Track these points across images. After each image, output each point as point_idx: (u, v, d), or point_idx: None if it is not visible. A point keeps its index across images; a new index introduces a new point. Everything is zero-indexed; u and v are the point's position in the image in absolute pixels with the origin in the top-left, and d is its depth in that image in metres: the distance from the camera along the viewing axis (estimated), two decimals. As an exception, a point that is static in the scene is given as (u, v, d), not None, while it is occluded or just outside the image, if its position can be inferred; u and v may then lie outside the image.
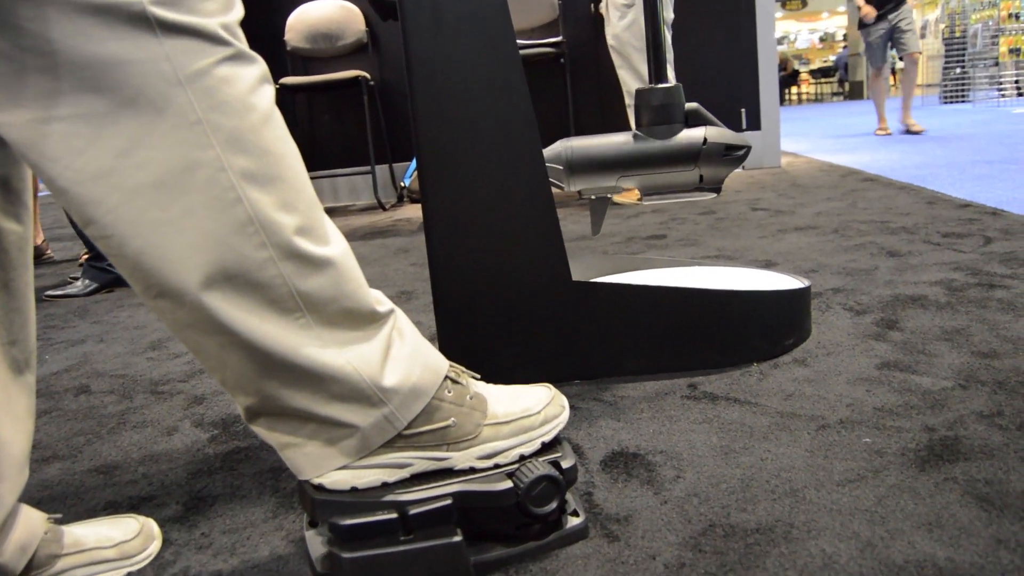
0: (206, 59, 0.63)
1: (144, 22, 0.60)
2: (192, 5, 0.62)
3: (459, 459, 0.78)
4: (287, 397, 0.70)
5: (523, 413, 0.82)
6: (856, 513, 0.81)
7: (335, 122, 4.65)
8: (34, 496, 1.05)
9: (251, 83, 0.66)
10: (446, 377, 0.79)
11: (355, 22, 4.42)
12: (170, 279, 0.64)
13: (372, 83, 4.33)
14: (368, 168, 4.32)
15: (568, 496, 0.85)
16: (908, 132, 6.21)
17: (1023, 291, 1.55)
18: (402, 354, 0.75)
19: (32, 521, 0.80)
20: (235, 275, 0.65)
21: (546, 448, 0.83)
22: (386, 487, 0.75)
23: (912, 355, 1.26)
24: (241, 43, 0.66)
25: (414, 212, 3.97)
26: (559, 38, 3.81)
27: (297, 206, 0.67)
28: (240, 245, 0.65)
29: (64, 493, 1.06)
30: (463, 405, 0.79)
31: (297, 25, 4.41)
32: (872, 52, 6.31)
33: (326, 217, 0.72)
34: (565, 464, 0.81)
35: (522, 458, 0.81)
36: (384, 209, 4.23)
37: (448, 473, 0.78)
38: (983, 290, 1.58)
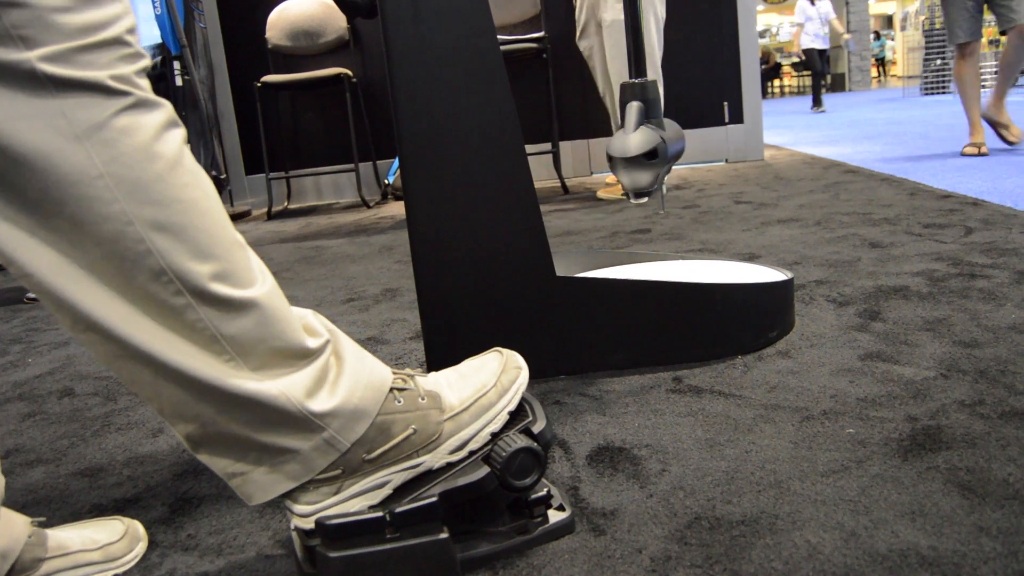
0: (102, 112, 0.62)
1: (35, 79, 0.59)
2: (84, 60, 0.61)
3: (432, 460, 0.77)
4: (224, 424, 0.69)
5: (478, 393, 0.81)
6: (840, 503, 0.82)
7: (318, 120, 4.63)
8: (18, 500, 1.05)
9: (153, 131, 0.65)
10: (391, 389, 0.78)
11: (336, 19, 4.40)
12: (95, 317, 0.64)
13: (355, 80, 4.31)
14: (352, 166, 4.31)
15: (554, 491, 0.86)
16: (1002, 137, 4.06)
17: (1004, 281, 1.56)
18: (340, 379, 0.74)
19: (15, 525, 0.80)
20: (158, 316, 0.65)
21: (515, 416, 0.83)
22: (374, 509, 0.75)
23: (895, 346, 1.27)
24: (141, 91, 0.65)
25: (398, 209, 3.96)
26: (541, 33, 3.81)
27: (212, 251, 0.66)
28: (158, 292, 0.64)
29: (48, 496, 1.05)
30: (417, 409, 0.77)
31: (278, 23, 4.39)
32: (956, 20, 3.92)
33: (250, 256, 0.71)
34: (536, 428, 0.81)
35: (494, 436, 0.80)
36: (368, 207, 4.22)
37: (428, 475, 0.77)
38: (964, 280, 1.60)
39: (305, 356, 0.72)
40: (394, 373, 0.80)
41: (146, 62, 0.67)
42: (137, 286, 0.64)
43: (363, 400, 0.74)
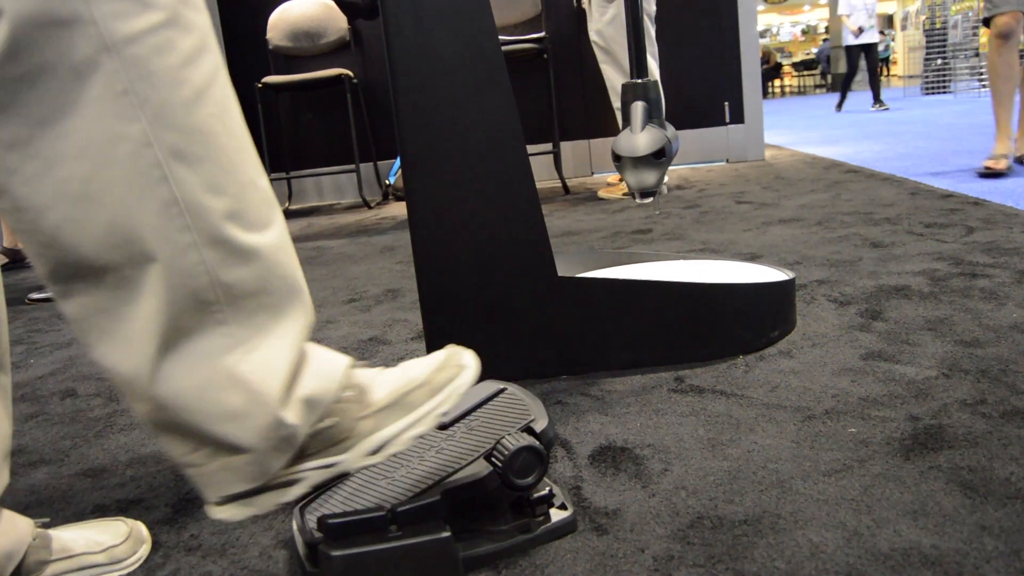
0: (137, 25, 0.58)
1: None
2: None
3: (350, 460, 0.71)
4: (178, 412, 0.64)
5: (406, 389, 0.74)
6: (842, 503, 0.82)
7: (319, 121, 4.64)
8: (21, 501, 1.05)
9: (187, 54, 0.61)
10: None
11: (337, 20, 4.40)
12: (86, 257, 0.60)
13: (355, 81, 4.31)
14: (353, 166, 4.31)
15: (556, 489, 0.86)
16: None
17: (1005, 280, 1.56)
18: (311, 363, 0.70)
19: (18, 527, 0.80)
20: (155, 258, 0.61)
21: (518, 416, 0.83)
22: (285, 506, 0.71)
23: (896, 345, 1.27)
24: (181, 7, 0.61)
25: (399, 210, 3.96)
26: (542, 33, 3.81)
27: (228, 188, 0.63)
28: (163, 227, 0.60)
29: (51, 497, 1.06)
30: (340, 401, 0.71)
31: (279, 23, 4.39)
32: None
33: (267, 200, 0.68)
34: (538, 427, 0.81)
35: (420, 438, 0.74)
36: (369, 207, 4.22)
37: (347, 477, 0.72)
38: (966, 279, 1.60)
39: (295, 319, 0.68)
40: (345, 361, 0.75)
41: None
42: (143, 218, 0.60)
43: (319, 389, 0.70)
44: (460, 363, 0.77)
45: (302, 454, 0.69)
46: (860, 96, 13.34)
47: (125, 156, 0.59)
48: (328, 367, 0.71)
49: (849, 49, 10.05)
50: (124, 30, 0.58)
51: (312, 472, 0.70)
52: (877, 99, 9.58)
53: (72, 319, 0.64)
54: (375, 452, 0.72)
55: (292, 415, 0.67)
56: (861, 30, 9.79)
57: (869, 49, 9.97)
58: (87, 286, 0.62)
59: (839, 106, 10.05)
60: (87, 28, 0.57)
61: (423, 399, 0.74)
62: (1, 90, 0.57)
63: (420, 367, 0.76)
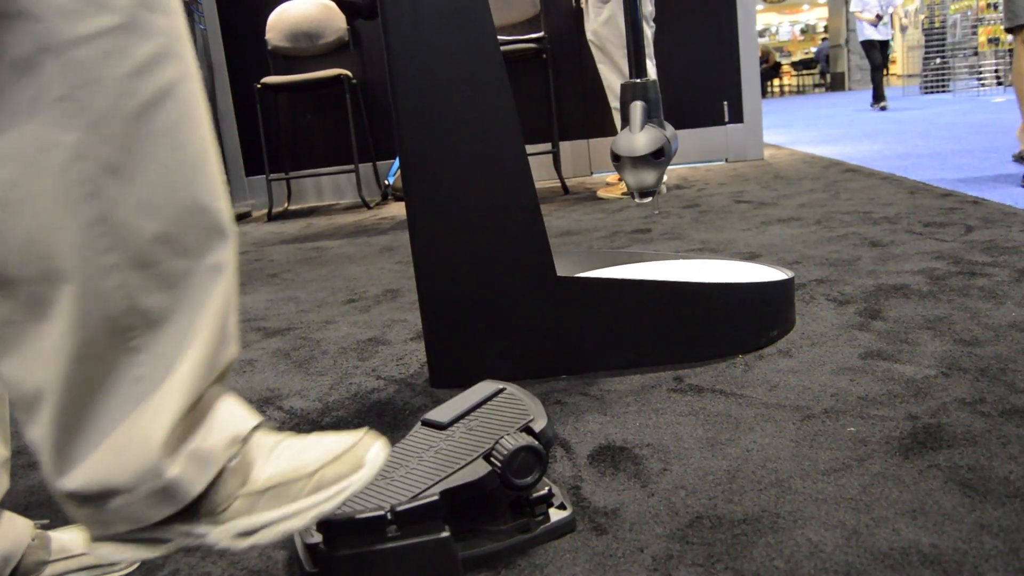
0: (87, 27, 0.54)
1: None
2: None
3: (217, 536, 0.64)
4: (70, 435, 0.59)
5: (290, 476, 0.66)
6: (841, 502, 0.82)
7: (318, 121, 4.64)
8: (20, 502, 1.05)
9: (140, 62, 0.57)
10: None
11: (336, 20, 4.40)
12: (3, 267, 0.56)
13: (354, 81, 4.31)
14: (352, 167, 4.31)
15: (555, 489, 0.86)
16: None
17: (1004, 279, 1.56)
18: (215, 415, 0.64)
19: (17, 528, 0.80)
20: (71, 278, 0.57)
21: (517, 416, 0.83)
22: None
23: (895, 344, 1.27)
24: (142, 10, 0.57)
25: (398, 210, 3.96)
26: (541, 33, 3.81)
27: (164, 210, 0.59)
28: (85, 246, 0.56)
29: (50, 499, 1.05)
30: (225, 470, 0.65)
31: (278, 24, 4.39)
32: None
33: (213, 224, 0.63)
34: (537, 427, 0.81)
35: (293, 533, 0.67)
36: (368, 207, 4.22)
37: (211, 550, 0.67)
38: (965, 279, 1.60)
39: (214, 359, 0.63)
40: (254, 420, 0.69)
41: None
42: (64, 234, 0.56)
43: (218, 445, 0.64)
44: (360, 460, 0.69)
45: (179, 517, 0.63)
46: (857, 95, 13.33)
47: (54, 166, 0.55)
48: (232, 426, 0.65)
49: (865, 44, 9.68)
50: (71, 31, 0.54)
51: (180, 537, 0.64)
52: (881, 96, 9.33)
53: None
54: (243, 535, 0.65)
55: (176, 467, 0.61)
56: (879, 17, 9.38)
57: (884, 46, 9.63)
58: (2, 296, 0.57)
59: (877, 102, 9.26)
60: (31, 24, 0.53)
61: (305, 492, 0.66)
62: None
63: (317, 452, 0.68)
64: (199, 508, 0.63)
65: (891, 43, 9.62)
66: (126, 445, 0.60)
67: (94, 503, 0.61)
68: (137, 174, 0.57)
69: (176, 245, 0.60)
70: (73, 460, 0.60)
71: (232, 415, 0.66)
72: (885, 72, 9.77)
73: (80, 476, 0.60)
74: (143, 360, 0.60)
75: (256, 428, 0.68)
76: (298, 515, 0.66)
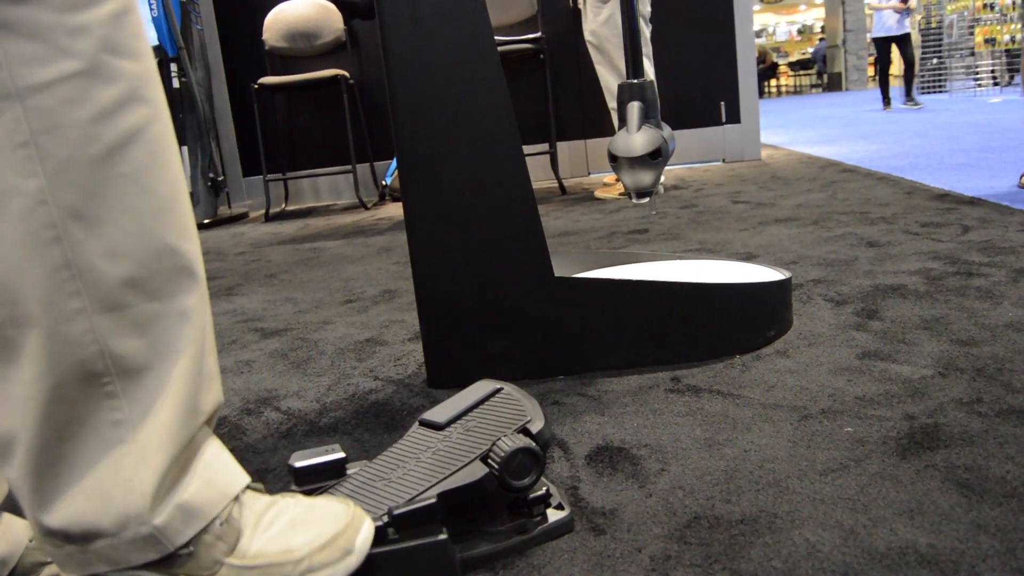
0: (48, 73, 0.54)
1: None
2: (43, 1, 0.53)
3: None
4: (47, 477, 0.60)
5: (278, 558, 0.66)
6: (839, 502, 0.82)
7: (315, 121, 4.64)
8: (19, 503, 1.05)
9: (103, 107, 0.57)
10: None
11: (333, 20, 4.40)
12: None
13: (351, 82, 4.31)
14: (349, 167, 4.31)
15: (553, 490, 0.86)
16: None
17: (1001, 279, 1.57)
18: (203, 467, 0.64)
19: (15, 530, 0.80)
20: (37, 323, 0.56)
21: (515, 416, 0.83)
22: None
23: (892, 344, 1.27)
24: (105, 55, 0.57)
25: (396, 210, 3.96)
26: (538, 34, 3.81)
27: (131, 253, 0.59)
28: (50, 291, 0.56)
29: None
30: (208, 533, 0.64)
31: (275, 24, 4.39)
32: None
33: (183, 266, 0.63)
34: (535, 428, 0.81)
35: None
36: (366, 208, 4.22)
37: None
38: (961, 279, 1.60)
39: (192, 407, 0.63)
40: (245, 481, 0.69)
41: (132, 8, 0.59)
42: (30, 279, 0.56)
43: (204, 498, 0.64)
44: (348, 546, 0.69)
45: (162, 569, 0.63)
46: (855, 95, 13.34)
47: (17, 212, 0.55)
48: (222, 481, 0.66)
49: (876, 41, 9.15)
50: (32, 78, 0.54)
51: None
52: (909, 95, 8.85)
53: None
54: None
55: (162, 516, 0.61)
56: (905, 3, 8.71)
57: (902, 41, 8.97)
58: None
59: (886, 103, 9.02)
60: None
61: (290, 574, 0.67)
62: None
63: (307, 535, 0.68)
64: (183, 566, 0.63)
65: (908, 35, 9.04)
66: (110, 489, 0.60)
67: (76, 542, 0.61)
68: (103, 218, 0.57)
69: (145, 288, 0.60)
70: (54, 500, 0.60)
71: (222, 469, 0.66)
72: (892, 73, 9.46)
73: (62, 515, 0.60)
74: (120, 404, 0.60)
75: (246, 488, 0.68)
76: None
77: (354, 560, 0.69)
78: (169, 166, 0.62)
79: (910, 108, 8.47)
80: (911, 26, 9.01)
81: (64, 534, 0.61)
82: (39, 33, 0.54)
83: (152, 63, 0.62)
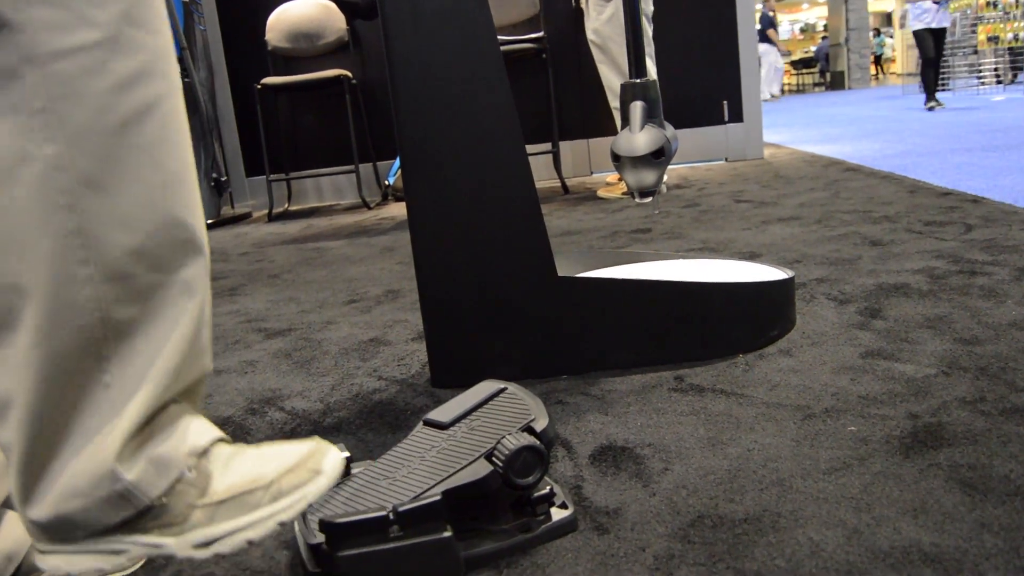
0: (69, 41, 0.55)
1: None
2: None
3: (177, 546, 0.65)
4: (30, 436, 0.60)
5: (248, 486, 0.67)
6: (842, 501, 0.82)
7: (318, 122, 4.64)
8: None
9: (121, 78, 0.58)
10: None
11: (336, 21, 4.40)
12: None
13: (354, 82, 4.31)
14: (352, 167, 4.31)
15: (557, 488, 0.86)
16: None
17: (1004, 278, 1.57)
18: (178, 426, 0.66)
19: (20, 529, 0.80)
20: (43, 288, 0.58)
21: (519, 415, 0.83)
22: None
23: (895, 343, 1.27)
24: (125, 26, 0.58)
25: (399, 210, 3.96)
26: (540, 33, 3.81)
27: (141, 225, 0.60)
28: (59, 256, 0.57)
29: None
30: (180, 481, 0.65)
31: (277, 25, 4.39)
32: None
33: (189, 240, 0.64)
34: (539, 427, 0.81)
35: (251, 543, 0.67)
36: (369, 208, 4.22)
37: (172, 560, 0.68)
38: (965, 277, 1.60)
39: (188, 374, 0.65)
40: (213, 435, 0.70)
41: None
42: (39, 244, 0.57)
43: (175, 450, 0.65)
44: (317, 467, 0.71)
45: (135, 527, 0.64)
46: (858, 94, 13.33)
47: (32, 177, 0.56)
48: (192, 438, 0.67)
49: (918, 35, 8.26)
50: (53, 44, 0.55)
51: (138, 548, 0.65)
52: (931, 96, 8.11)
53: None
54: (202, 546, 0.66)
55: (133, 471, 0.62)
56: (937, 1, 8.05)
57: (938, 35, 8.24)
58: None
59: (931, 101, 8.05)
60: (14, 35, 0.54)
61: (264, 502, 0.67)
62: None
63: (275, 463, 0.69)
64: (157, 519, 0.64)
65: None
66: (87, 448, 0.61)
67: (57, 517, 0.61)
68: (115, 188, 0.58)
69: (151, 259, 0.61)
70: (30, 463, 0.61)
71: (194, 429, 0.67)
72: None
73: (53, 489, 0.61)
74: (110, 368, 0.61)
75: (216, 441, 0.69)
76: (258, 524, 0.66)
77: (324, 481, 0.70)
78: (181, 141, 0.63)
79: (931, 109, 7.85)
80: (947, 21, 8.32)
81: (51, 510, 0.61)
82: (62, 1, 0.55)
83: (169, 39, 0.63)
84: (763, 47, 13.38)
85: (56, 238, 0.57)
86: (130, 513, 0.63)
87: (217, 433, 0.69)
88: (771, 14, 14.32)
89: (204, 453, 0.67)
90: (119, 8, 0.58)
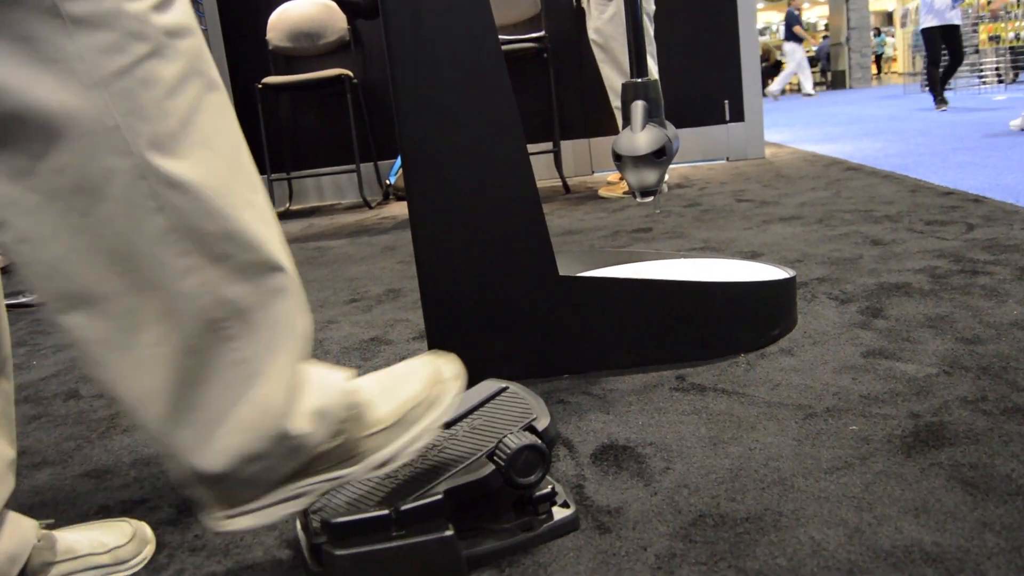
0: (124, 59, 0.59)
1: (56, 19, 0.56)
2: None
3: (355, 473, 0.74)
4: (195, 423, 0.66)
5: (407, 406, 0.77)
6: (844, 500, 0.82)
7: (319, 121, 4.64)
8: (25, 502, 1.05)
9: (172, 82, 0.62)
10: None
11: (337, 20, 4.40)
12: (89, 286, 0.62)
13: (355, 81, 4.31)
14: (353, 166, 4.31)
15: (558, 488, 0.86)
16: None
17: (1005, 277, 1.57)
18: (314, 377, 0.72)
19: (23, 529, 0.80)
20: (156, 285, 0.63)
21: (520, 414, 0.84)
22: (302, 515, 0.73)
23: (897, 342, 1.27)
24: (169, 26, 0.61)
25: (400, 210, 3.96)
26: (541, 33, 3.81)
27: (223, 211, 0.64)
28: (161, 253, 0.62)
29: (55, 499, 1.06)
30: (344, 421, 0.73)
31: (279, 24, 4.39)
32: None
33: (262, 216, 0.69)
34: (540, 426, 0.82)
35: (426, 449, 0.78)
36: (370, 207, 4.22)
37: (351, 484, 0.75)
38: (966, 277, 1.60)
39: (296, 330, 0.70)
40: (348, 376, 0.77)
41: None
42: (142, 247, 0.62)
43: (329, 402, 0.72)
44: (446, 376, 0.81)
45: (310, 470, 0.71)
46: (858, 93, 13.31)
47: (120, 189, 0.60)
48: (330, 381, 0.73)
49: (926, 32, 7.82)
50: (112, 65, 0.59)
51: (319, 485, 0.72)
52: (940, 97, 7.65)
53: (79, 346, 0.64)
54: (381, 465, 0.75)
55: (299, 425, 0.68)
56: None
57: (950, 33, 7.74)
58: (92, 313, 0.63)
59: (940, 103, 7.64)
60: (74, 64, 0.58)
61: (422, 415, 0.77)
62: (1, 126, 0.58)
63: (416, 382, 0.79)
64: (334, 458, 0.72)
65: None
66: (251, 419, 0.67)
67: (232, 477, 0.68)
68: (193, 183, 0.62)
69: (238, 239, 0.65)
70: (203, 444, 0.67)
71: (326, 373, 0.74)
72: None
73: (216, 456, 0.67)
74: (239, 345, 0.66)
75: (353, 377, 0.77)
76: (424, 433, 0.77)
77: (459, 384, 0.82)
78: (230, 124, 0.67)
79: (941, 110, 7.37)
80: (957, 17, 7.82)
81: (222, 474, 0.67)
82: (109, 22, 0.58)
83: (202, 39, 0.67)
84: (789, 46, 13.33)
85: (155, 239, 0.62)
86: (298, 464, 0.70)
87: (347, 371, 0.76)
88: (797, 12, 14.19)
89: (353, 391, 0.74)
90: (159, 19, 0.61)
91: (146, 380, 0.64)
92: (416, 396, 0.78)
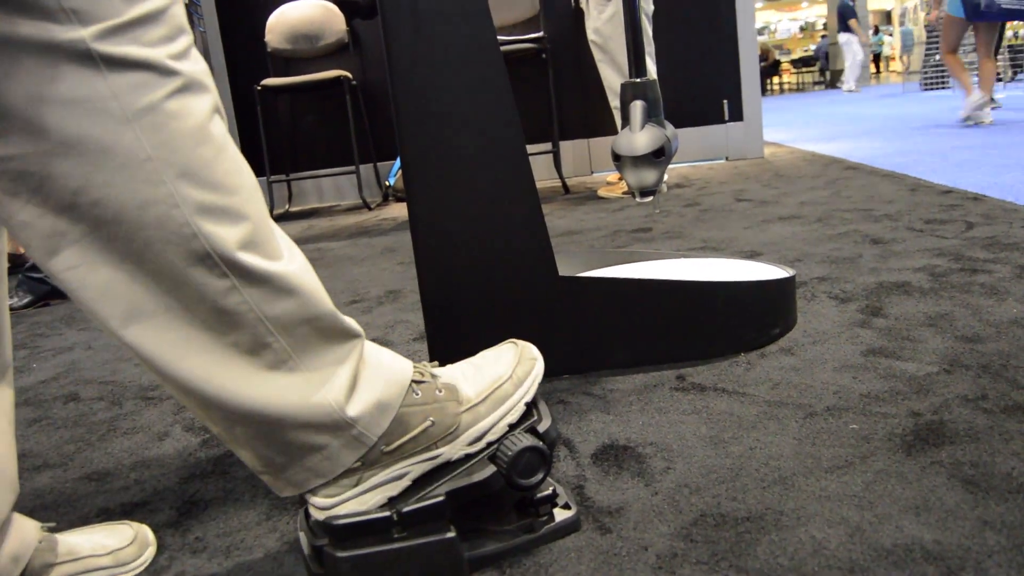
0: (154, 94, 0.62)
1: (88, 60, 0.59)
2: (136, 36, 0.61)
3: (451, 451, 0.78)
4: (263, 428, 0.71)
5: (495, 384, 0.82)
6: (844, 499, 0.82)
7: (318, 122, 4.64)
8: (26, 505, 1.05)
9: (202, 116, 0.65)
10: (411, 382, 0.79)
11: (336, 22, 4.41)
12: (140, 304, 0.65)
13: (354, 83, 4.32)
14: (352, 168, 4.31)
15: (559, 489, 0.86)
16: None
17: (1005, 275, 1.57)
18: (369, 374, 0.75)
19: (25, 531, 0.80)
20: (201, 303, 0.66)
21: (522, 413, 0.84)
22: (392, 501, 0.76)
23: (897, 341, 1.27)
24: (192, 71, 0.65)
25: (399, 211, 3.97)
26: (540, 33, 3.81)
27: (256, 237, 0.68)
28: (201, 276, 0.65)
29: (56, 501, 1.06)
30: (435, 402, 0.78)
31: (277, 26, 4.39)
32: None
33: (282, 237, 0.73)
34: (542, 427, 0.82)
35: (511, 427, 0.81)
36: (369, 208, 4.22)
37: (447, 467, 0.78)
38: (966, 275, 1.60)
39: (345, 338, 0.74)
40: (412, 366, 0.81)
41: (191, 37, 0.66)
42: (179, 272, 0.65)
43: (386, 394, 0.75)
44: (532, 355, 0.87)
45: (403, 455, 0.76)
46: (862, 91, 13.32)
47: (155, 219, 0.63)
48: (391, 374, 0.77)
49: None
50: (143, 101, 0.61)
51: (416, 466, 0.77)
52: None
53: (141, 354, 0.68)
54: (475, 441, 0.80)
55: (356, 412, 0.73)
56: None
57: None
58: (147, 325, 0.66)
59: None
60: (107, 103, 0.60)
61: (510, 391, 0.82)
62: (37, 164, 0.60)
63: (500, 364, 0.85)
64: (430, 438, 0.77)
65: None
66: (312, 415, 0.71)
67: (293, 464, 0.73)
68: (224, 208, 0.66)
69: (267, 254, 0.69)
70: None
71: (391, 364, 0.78)
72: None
73: (278, 454, 0.72)
74: (291, 355, 0.70)
75: (415, 368, 0.81)
76: (512, 409, 0.82)
77: (541, 364, 0.87)
78: (230, 149, 0.69)
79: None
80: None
81: (283, 463, 0.72)
82: (142, 64, 0.61)
83: (203, 63, 0.69)
84: (843, 37, 13.15)
85: (195, 262, 0.65)
86: (361, 454, 0.74)
87: (410, 363, 0.81)
88: (851, 3, 13.98)
89: (417, 382, 0.79)
90: (180, 65, 0.64)
91: (220, 379, 0.68)
92: (502, 374, 0.83)
